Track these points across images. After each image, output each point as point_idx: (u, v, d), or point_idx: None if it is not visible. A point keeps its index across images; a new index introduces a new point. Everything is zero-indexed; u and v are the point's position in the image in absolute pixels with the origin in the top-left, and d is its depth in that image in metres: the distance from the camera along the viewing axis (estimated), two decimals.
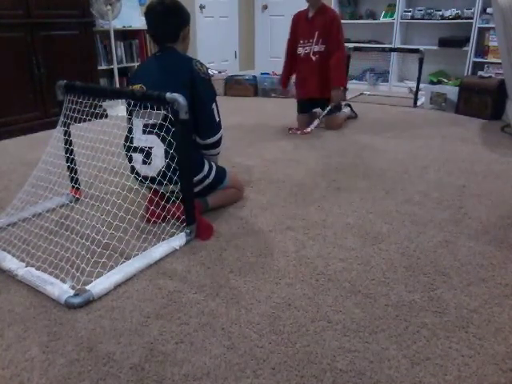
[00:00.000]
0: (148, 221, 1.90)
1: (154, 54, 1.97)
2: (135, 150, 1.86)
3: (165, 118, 1.70)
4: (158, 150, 1.79)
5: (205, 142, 1.93)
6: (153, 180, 1.82)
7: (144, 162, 1.84)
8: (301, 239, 1.76)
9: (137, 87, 1.84)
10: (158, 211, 1.83)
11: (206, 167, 1.92)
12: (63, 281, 1.44)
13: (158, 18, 1.86)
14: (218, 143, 1.97)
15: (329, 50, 3.26)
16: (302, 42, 3.33)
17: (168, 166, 1.77)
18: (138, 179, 1.92)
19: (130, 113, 1.87)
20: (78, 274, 1.48)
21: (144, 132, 1.81)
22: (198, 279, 1.50)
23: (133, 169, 1.91)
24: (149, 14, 1.88)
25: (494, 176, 2.44)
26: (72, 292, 1.38)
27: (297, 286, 1.45)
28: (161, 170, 1.79)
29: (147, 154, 1.82)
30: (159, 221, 1.84)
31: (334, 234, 1.80)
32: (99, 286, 1.41)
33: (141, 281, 1.49)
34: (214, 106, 1.90)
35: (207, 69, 1.92)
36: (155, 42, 1.94)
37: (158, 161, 1.80)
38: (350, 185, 2.33)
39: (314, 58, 3.31)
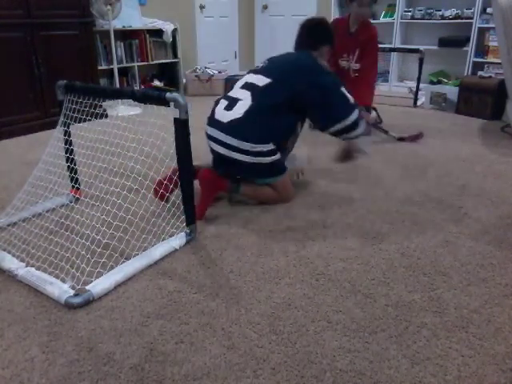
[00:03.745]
0: (156, 193, 1.99)
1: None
2: (225, 99, 1.96)
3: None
4: (245, 102, 1.87)
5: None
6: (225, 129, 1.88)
7: (226, 109, 1.90)
8: (301, 239, 1.76)
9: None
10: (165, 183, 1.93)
11: (276, 150, 1.91)
12: (63, 281, 1.45)
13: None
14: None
15: (362, 68, 3.13)
16: (344, 55, 3.20)
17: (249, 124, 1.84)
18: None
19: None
20: (78, 274, 1.48)
21: (242, 88, 1.94)
22: (198, 279, 1.50)
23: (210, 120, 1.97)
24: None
25: (494, 176, 2.45)
26: (72, 292, 1.38)
27: (297, 286, 1.45)
28: (234, 120, 1.85)
29: (233, 103, 1.90)
30: (167, 194, 1.94)
31: (334, 234, 1.80)
32: (99, 285, 1.41)
33: (141, 281, 1.49)
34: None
35: None
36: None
37: (238, 110, 1.86)
38: (350, 185, 2.33)
39: (353, 75, 3.17)
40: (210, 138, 1.97)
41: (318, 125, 2.10)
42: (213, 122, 1.95)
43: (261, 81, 1.89)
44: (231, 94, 1.97)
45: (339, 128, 1.97)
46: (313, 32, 2.09)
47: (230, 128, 1.85)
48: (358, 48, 3.11)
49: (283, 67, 1.96)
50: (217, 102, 1.99)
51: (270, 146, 1.89)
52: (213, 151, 2.00)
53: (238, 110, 1.85)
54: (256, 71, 1.98)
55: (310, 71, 1.94)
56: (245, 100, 1.87)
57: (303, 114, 2.03)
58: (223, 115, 1.89)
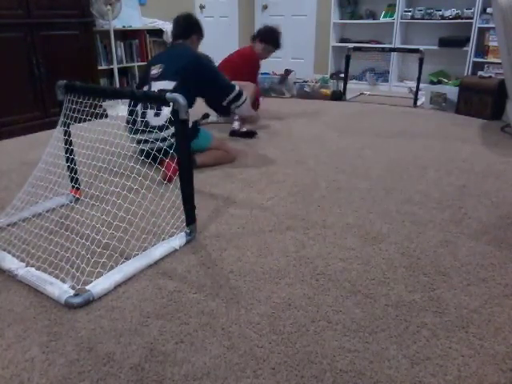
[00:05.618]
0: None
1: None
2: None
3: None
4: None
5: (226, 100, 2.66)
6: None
7: (155, 116, 2.35)
8: (301, 239, 1.76)
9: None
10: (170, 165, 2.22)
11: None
12: (63, 281, 1.44)
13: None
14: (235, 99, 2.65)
15: None
16: None
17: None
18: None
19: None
20: (78, 274, 1.48)
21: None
22: (198, 279, 1.50)
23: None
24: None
25: (494, 176, 2.44)
26: (72, 292, 1.38)
27: (297, 286, 1.45)
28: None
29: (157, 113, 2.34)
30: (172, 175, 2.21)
31: (334, 234, 1.80)
32: (99, 286, 1.41)
33: (141, 281, 1.49)
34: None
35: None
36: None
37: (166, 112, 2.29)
38: (350, 185, 2.33)
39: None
40: (140, 141, 2.39)
41: (214, 101, 2.77)
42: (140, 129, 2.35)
43: (168, 85, 2.37)
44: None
45: (231, 98, 2.64)
46: (184, 24, 2.69)
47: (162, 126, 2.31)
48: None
49: (179, 69, 2.44)
50: (131, 112, 2.42)
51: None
52: (143, 151, 2.38)
53: (166, 112, 2.30)
54: (158, 78, 2.42)
55: (195, 62, 2.50)
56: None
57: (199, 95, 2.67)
58: (154, 120, 2.33)
